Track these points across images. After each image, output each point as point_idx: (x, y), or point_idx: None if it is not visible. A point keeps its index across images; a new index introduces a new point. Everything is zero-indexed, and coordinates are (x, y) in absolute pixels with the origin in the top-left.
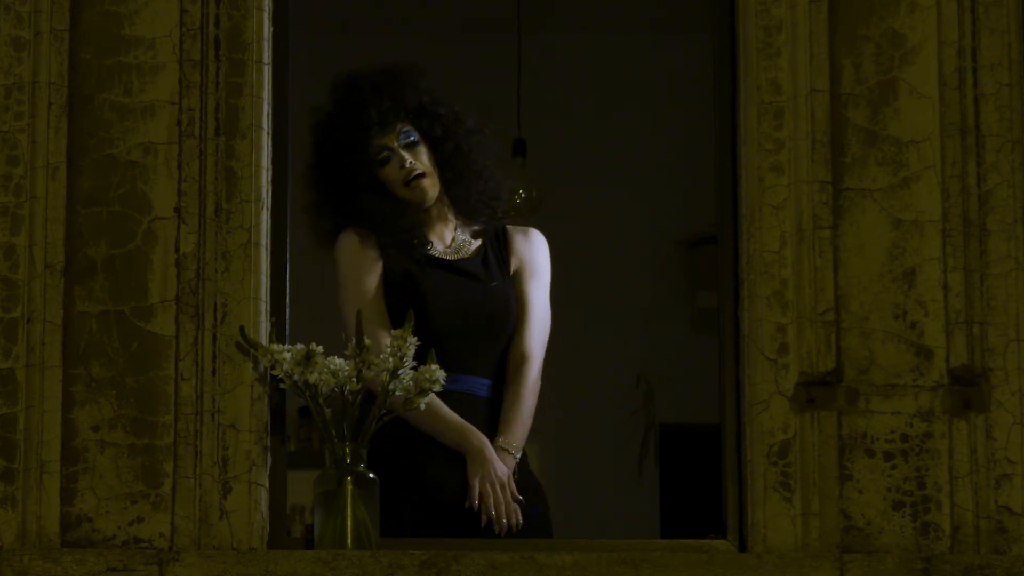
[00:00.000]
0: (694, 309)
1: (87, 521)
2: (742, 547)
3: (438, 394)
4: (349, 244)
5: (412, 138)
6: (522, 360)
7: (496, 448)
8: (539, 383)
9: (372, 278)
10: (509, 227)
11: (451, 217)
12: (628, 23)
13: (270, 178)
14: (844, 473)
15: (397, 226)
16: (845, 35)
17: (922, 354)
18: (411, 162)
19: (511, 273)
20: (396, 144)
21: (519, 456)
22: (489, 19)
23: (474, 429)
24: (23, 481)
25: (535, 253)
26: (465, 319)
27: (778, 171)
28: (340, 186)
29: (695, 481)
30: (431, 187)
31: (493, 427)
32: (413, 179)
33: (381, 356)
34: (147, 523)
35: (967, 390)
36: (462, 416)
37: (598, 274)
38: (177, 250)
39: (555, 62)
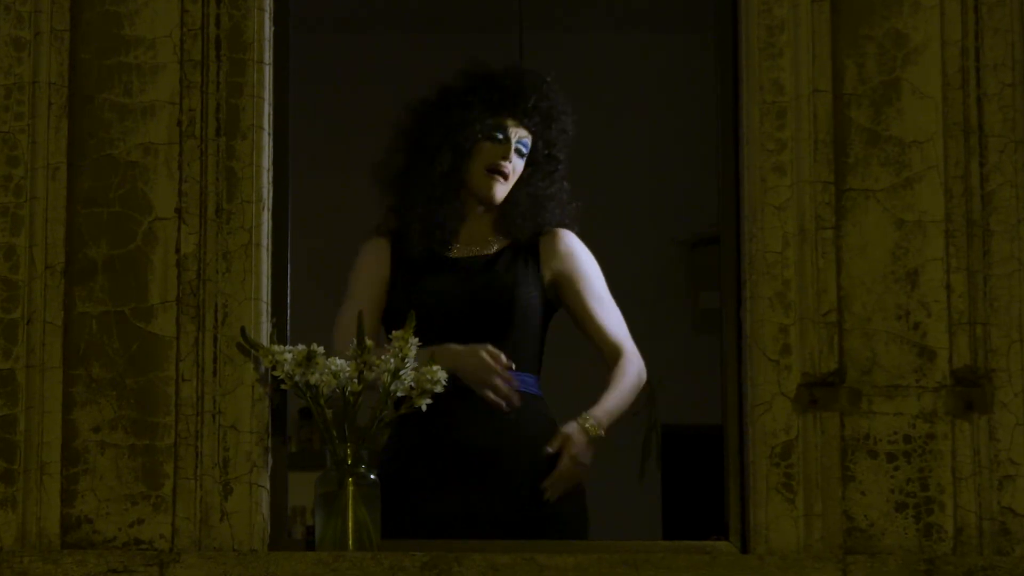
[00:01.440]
0: (696, 310)
1: (87, 522)
2: (744, 548)
3: (460, 389)
4: (367, 255)
5: (524, 150)
6: (616, 356)
7: (578, 426)
8: (643, 373)
9: (376, 290)
10: (544, 232)
11: (491, 229)
12: (630, 22)
13: (271, 178)
14: (847, 474)
15: (433, 219)
16: (848, 35)
17: (925, 355)
18: (510, 162)
19: (548, 279)
20: (513, 139)
21: (598, 433)
22: (490, 17)
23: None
24: (23, 482)
25: (575, 254)
26: (475, 314)
27: (780, 171)
28: (427, 150)
29: (697, 482)
30: (502, 193)
31: (504, 423)
32: (497, 171)
33: (383, 357)
34: (148, 524)
35: (970, 391)
36: (471, 413)
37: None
38: (178, 251)
39: (556, 61)
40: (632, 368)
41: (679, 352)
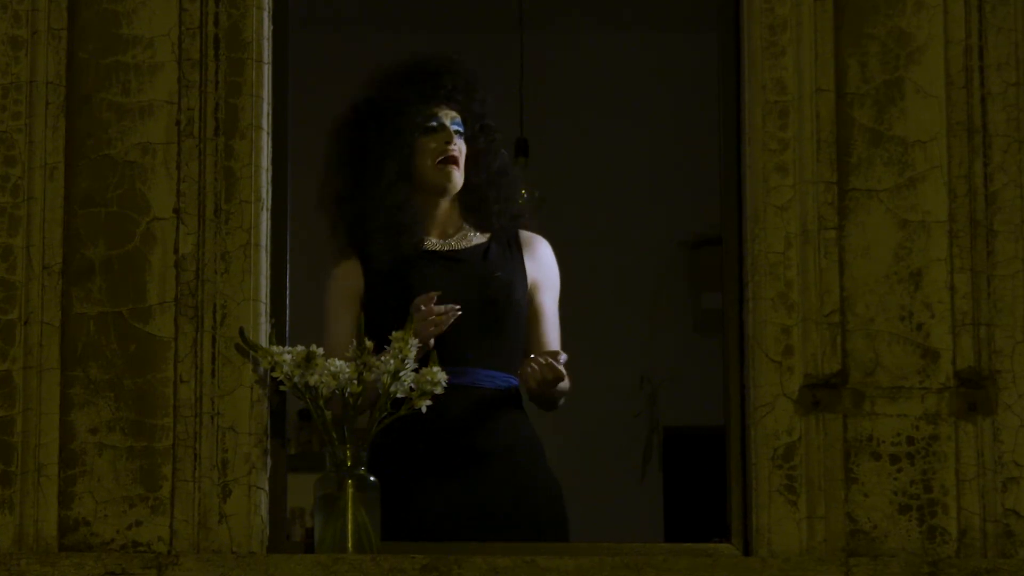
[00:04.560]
0: (698, 311)
1: (85, 525)
2: (746, 551)
3: (451, 388)
4: (341, 276)
5: (461, 129)
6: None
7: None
8: (565, 394)
9: (355, 308)
10: (521, 232)
11: (460, 219)
12: (632, 22)
13: (270, 178)
14: (850, 476)
15: (396, 220)
16: (851, 34)
17: (928, 356)
18: (455, 144)
19: (530, 281)
20: (447, 122)
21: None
22: (491, 17)
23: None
24: (20, 484)
25: (551, 265)
26: (473, 308)
27: (783, 171)
28: (368, 164)
29: (699, 484)
30: (459, 178)
31: (500, 421)
32: (447, 160)
33: (382, 358)
34: (146, 527)
35: (974, 392)
36: (467, 411)
37: (601, 275)
38: (176, 251)
39: (558, 61)
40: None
41: (681, 353)
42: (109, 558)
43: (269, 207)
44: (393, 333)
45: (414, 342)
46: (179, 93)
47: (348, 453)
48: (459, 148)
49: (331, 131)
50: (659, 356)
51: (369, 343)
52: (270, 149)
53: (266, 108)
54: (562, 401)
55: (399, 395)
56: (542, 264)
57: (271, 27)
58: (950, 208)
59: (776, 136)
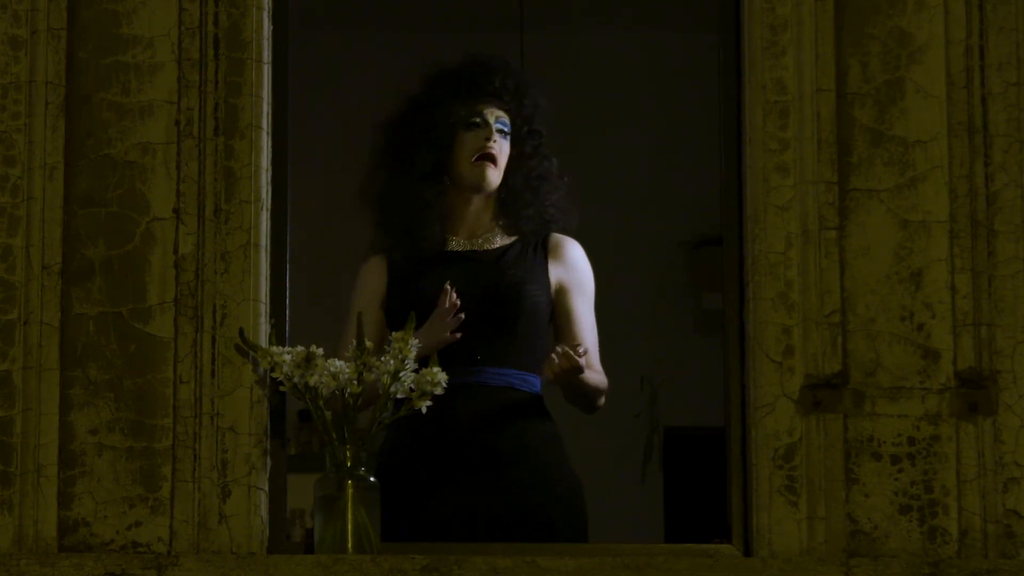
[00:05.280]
0: (698, 311)
1: (85, 525)
2: (747, 552)
3: (461, 387)
4: (367, 274)
5: (506, 129)
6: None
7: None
8: (604, 395)
9: (375, 308)
10: (552, 235)
11: (493, 220)
12: (632, 21)
13: (270, 178)
14: (850, 477)
15: (421, 218)
16: (851, 34)
17: (929, 356)
18: (495, 142)
19: (553, 283)
20: (491, 120)
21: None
22: (490, 17)
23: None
24: (20, 485)
25: (581, 267)
26: (473, 307)
27: (783, 171)
28: (407, 159)
29: (699, 485)
30: (495, 177)
31: (511, 419)
32: (484, 157)
33: (382, 358)
34: (145, 527)
35: (974, 393)
36: (476, 410)
37: (601, 275)
38: (176, 251)
39: (558, 61)
40: (601, 377)
41: (681, 354)
42: (109, 559)
43: (269, 207)
44: (393, 334)
45: (414, 342)
46: (179, 93)
47: (348, 453)
48: (499, 147)
49: (377, 125)
50: (659, 356)
51: (369, 343)
52: (270, 149)
53: (266, 108)
54: (601, 401)
55: (399, 395)
56: (570, 266)
57: (271, 27)
58: (951, 208)
59: (776, 136)
